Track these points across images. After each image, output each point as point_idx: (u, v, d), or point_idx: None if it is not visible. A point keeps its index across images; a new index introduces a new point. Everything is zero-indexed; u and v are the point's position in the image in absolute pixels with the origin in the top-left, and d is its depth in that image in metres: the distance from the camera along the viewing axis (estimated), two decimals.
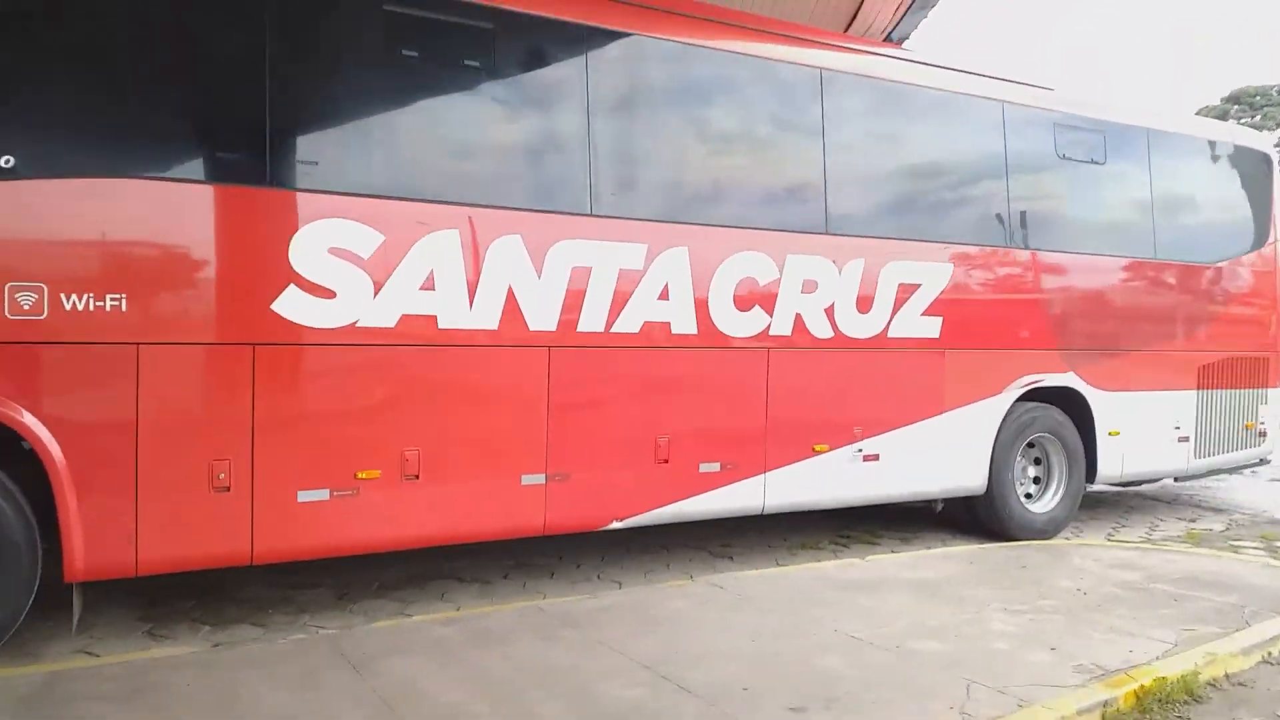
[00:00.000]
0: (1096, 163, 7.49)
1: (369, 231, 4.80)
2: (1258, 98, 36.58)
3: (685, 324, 5.75)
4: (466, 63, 5.16)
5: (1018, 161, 7.10)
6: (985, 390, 6.93)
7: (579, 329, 5.40)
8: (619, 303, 5.51)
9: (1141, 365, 7.65)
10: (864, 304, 6.35)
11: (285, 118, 4.69)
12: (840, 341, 6.28)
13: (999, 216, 7.00)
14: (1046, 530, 7.25)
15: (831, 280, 6.22)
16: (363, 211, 4.79)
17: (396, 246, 4.87)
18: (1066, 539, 7.26)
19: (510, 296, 5.19)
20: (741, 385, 5.99)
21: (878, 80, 6.56)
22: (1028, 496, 7.40)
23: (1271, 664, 4.41)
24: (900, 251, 6.50)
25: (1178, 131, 8.13)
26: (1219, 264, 8.17)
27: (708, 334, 5.81)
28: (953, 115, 6.86)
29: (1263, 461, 8.68)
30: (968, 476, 6.91)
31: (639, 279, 5.56)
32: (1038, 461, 7.49)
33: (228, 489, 4.50)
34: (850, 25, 8.77)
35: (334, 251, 4.72)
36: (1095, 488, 8.63)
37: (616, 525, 5.62)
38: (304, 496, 4.70)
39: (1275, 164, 8.63)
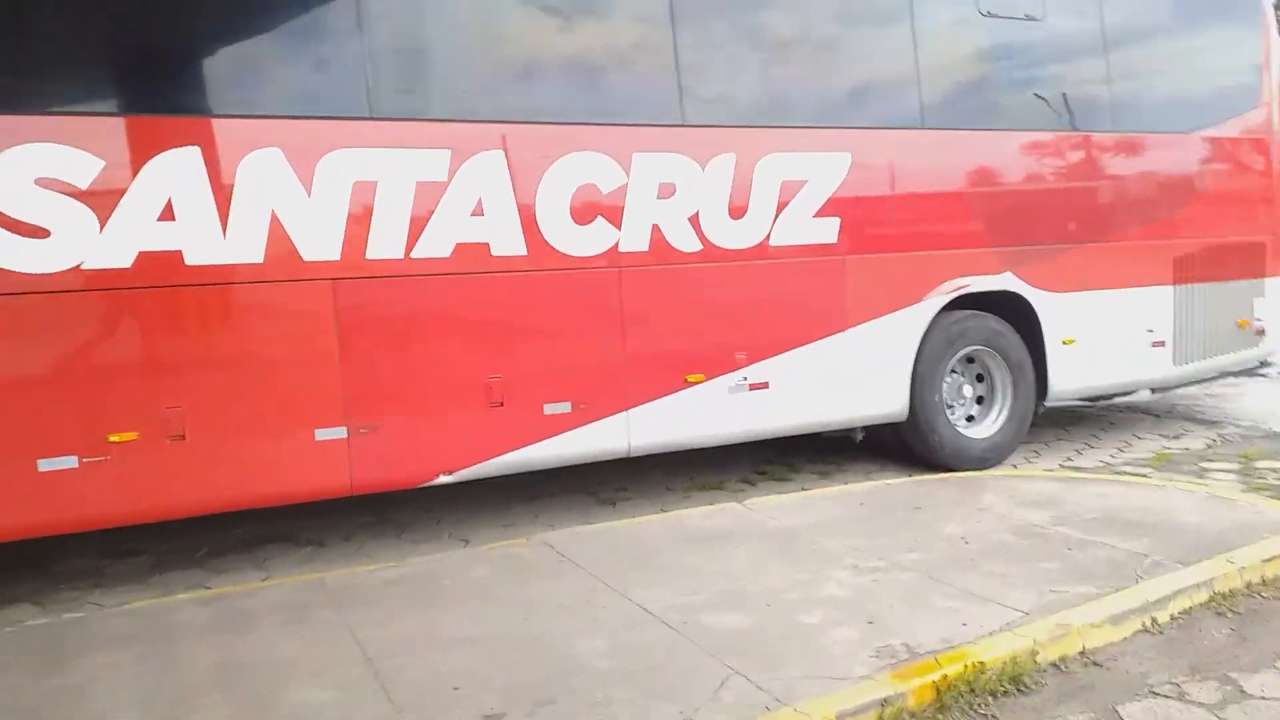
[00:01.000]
0: (1033, 18, 6.24)
1: (83, 156, 4.11)
2: None
3: (509, 244, 4.95)
4: None
5: (929, 21, 5.92)
6: (900, 300, 5.96)
7: (369, 256, 4.66)
8: (419, 223, 4.74)
9: (1099, 260, 6.50)
10: (738, 209, 5.43)
11: None
12: (711, 255, 5.40)
13: (907, 91, 5.87)
14: (988, 458, 6.31)
15: (694, 182, 5.30)
16: (71, 133, 4.10)
17: (120, 172, 4.18)
18: (1014, 467, 6.35)
19: (275, 222, 4.47)
20: (589, 312, 5.19)
21: None
22: (969, 419, 6.48)
23: (1151, 633, 3.53)
24: (781, 142, 5.49)
25: None
26: (1196, 132, 6.85)
27: (540, 254, 5.01)
28: None
29: (1263, 364, 7.51)
30: (884, 401, 6.02)
31: (442, 192, 4.76)
32: (981, 379, 6.54)
33: None
34: None
35: (41, 183, 4.06)
36: (1066, 404, 7.66)
37: (445, 480, 4.96)
38: (45, 465, 4.18)
39: (1264, 5, 7.15)
